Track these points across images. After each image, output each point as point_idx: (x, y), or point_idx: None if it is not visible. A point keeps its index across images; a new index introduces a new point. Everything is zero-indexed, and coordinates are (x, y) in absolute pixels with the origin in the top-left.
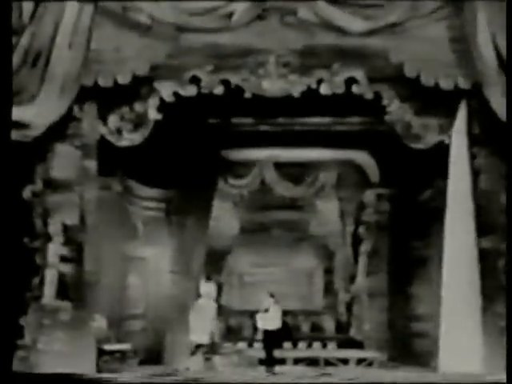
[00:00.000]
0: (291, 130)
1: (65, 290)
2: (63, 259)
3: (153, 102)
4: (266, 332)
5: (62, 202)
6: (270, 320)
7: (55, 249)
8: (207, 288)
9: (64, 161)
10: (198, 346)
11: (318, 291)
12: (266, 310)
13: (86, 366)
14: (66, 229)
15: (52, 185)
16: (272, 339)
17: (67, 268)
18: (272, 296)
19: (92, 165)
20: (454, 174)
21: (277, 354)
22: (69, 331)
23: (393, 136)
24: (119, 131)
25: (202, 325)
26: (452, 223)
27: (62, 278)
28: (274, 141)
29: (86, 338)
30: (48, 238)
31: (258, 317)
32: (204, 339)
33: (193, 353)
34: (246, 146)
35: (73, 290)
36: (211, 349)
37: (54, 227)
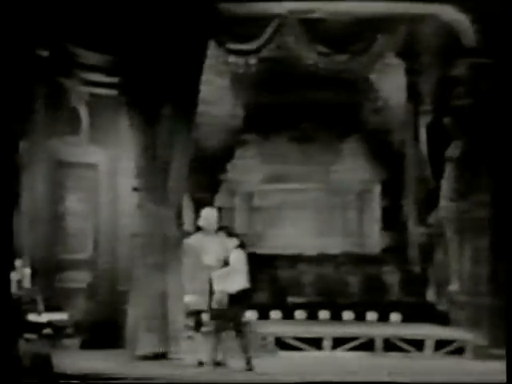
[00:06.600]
0: None
1: None
2: None
3: None
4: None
5: None
6: None
7: None
8: (209, 216)
9: None
10: (195, 314)
11: (374, 223)
12: None
13: None
14: None
15: None
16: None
17: None
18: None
19: None
20: None
21: (313, 329)
22: None
23: None
24: None
25: (201, 279)
26: None
27: None
28: None
29: None
30: None
31: None
32: (202, 303)
33: (189, 326)
34: None
35: None
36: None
37: None
